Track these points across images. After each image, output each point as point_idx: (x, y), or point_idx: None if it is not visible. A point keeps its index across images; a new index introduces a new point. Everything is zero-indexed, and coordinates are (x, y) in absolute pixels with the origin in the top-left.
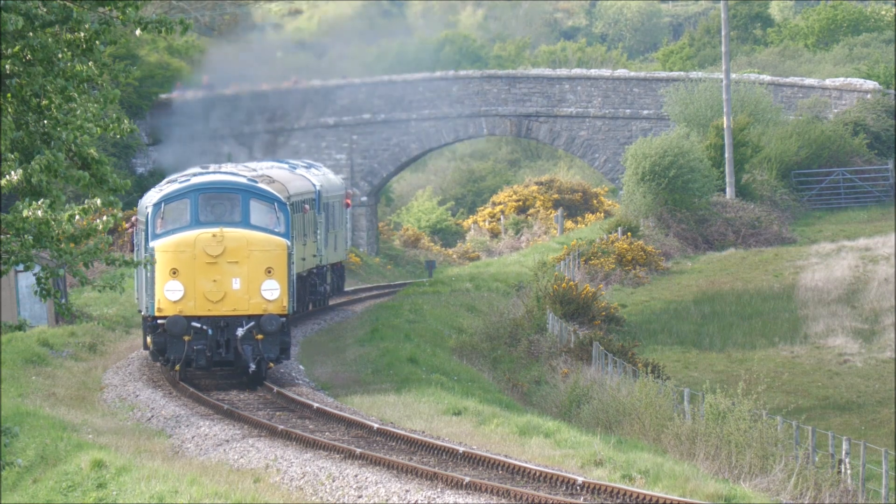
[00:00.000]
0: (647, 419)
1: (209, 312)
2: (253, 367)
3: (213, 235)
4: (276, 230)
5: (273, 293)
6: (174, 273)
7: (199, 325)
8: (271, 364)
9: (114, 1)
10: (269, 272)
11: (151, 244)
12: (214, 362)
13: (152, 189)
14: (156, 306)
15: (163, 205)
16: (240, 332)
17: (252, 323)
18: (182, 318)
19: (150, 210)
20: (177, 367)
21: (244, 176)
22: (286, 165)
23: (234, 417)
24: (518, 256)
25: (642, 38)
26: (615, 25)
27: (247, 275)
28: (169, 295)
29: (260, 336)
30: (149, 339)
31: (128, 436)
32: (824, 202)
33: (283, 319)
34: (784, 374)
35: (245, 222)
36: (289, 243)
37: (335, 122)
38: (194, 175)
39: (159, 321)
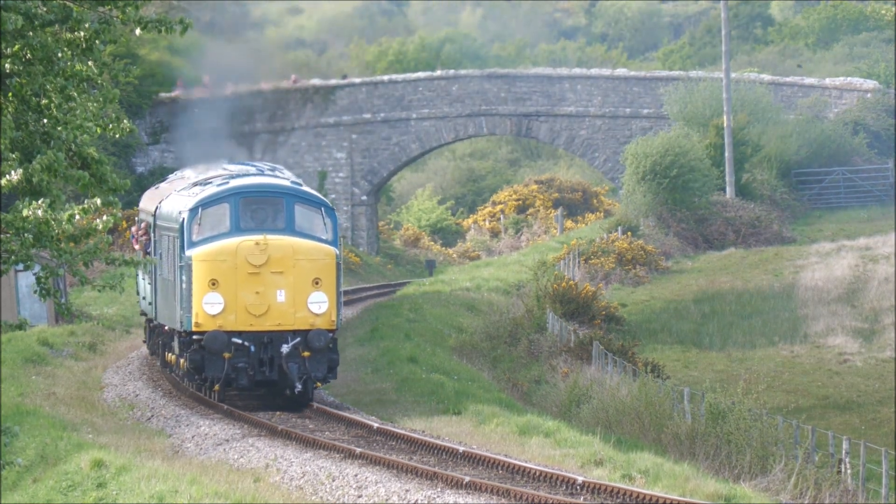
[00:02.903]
0: (647, 419)
1: (251, 327)
2: (299, 387)
3: (256, 243)
4: (323, 237)
5: (321, 306)
6: (213, 284)
7: (240, 342)
8: (319, 384)
9: (113, 0)
10: (317, 283)
11: (188, 252)
12: (257, 382)
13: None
14: (193, 320)
15: (200, 210)
16: (285, 348)
17: (298, 339)
18: (222, 333)
19: (185, 215)
20: (216, 388)
21: (287, 178)
22: (253, 168)
23: (234, 417)
24: (518, 256)
25: (642, 38)
26: (615, 25)
27: (292, 286)
28: (208, 308)
29: (307, 353)
30: (170, 355)
31: (128, 435)
32: (824, 201)
33: (332, 335)
34: (784, 374)
35: (290, 229)
36: (337, 252)
37: (335, 122)
38: (232, 177)
39: (195, 337)
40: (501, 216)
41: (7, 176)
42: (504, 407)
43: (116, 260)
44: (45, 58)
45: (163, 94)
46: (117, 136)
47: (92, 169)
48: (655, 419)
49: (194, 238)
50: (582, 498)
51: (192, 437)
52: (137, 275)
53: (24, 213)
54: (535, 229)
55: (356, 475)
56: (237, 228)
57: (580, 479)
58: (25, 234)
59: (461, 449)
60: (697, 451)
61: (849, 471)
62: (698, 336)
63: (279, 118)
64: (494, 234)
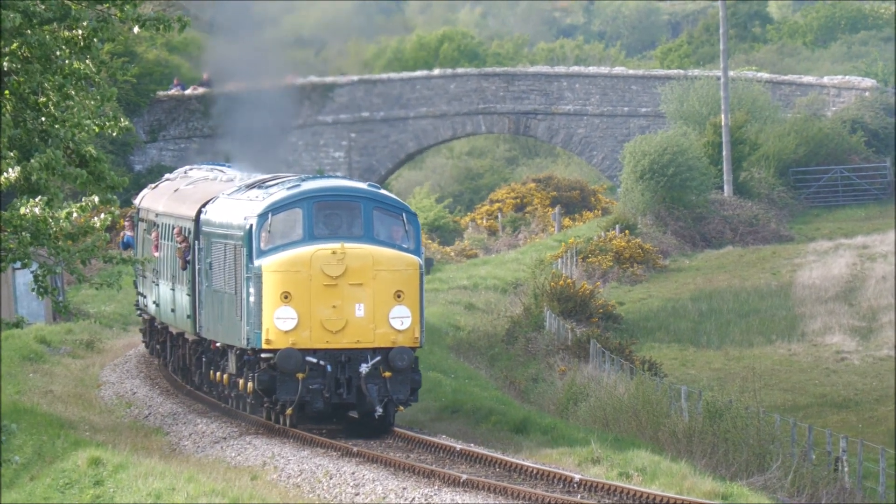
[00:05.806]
0: (645, 417)
1: (328, 345)
2: (380, 410)
3: (333, 252)
4: (404, 246)
5: (403, 322)
6: (286, 298)
7: (315, 360)
8: (401, 407)
9: None
10: (399, 296)
11: (256, 262)
12: (333, 405)
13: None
14: (263, 337)
15: (270, 215)
16: (364, 368)
17: (378, 357)
18: (296, 351)
19: (252, 222)
20: (288, 412)
21: (363, 181)
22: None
23: (231, 415)
24: (516, 254)
25: (640, 36)
26: (613, 23)
27: (372, 300)
28: (280, 324)
29: (387, 374)
30: (220, 375)
31: (125, 433)
32: (822, 200)
33: (415, 353)
34: (781, 372)
35: (368, 236)
36: (421, 262)
37: (333, 120)
38: (303, 179)
39: (265, 355)
40: (499, 214)
41: (5, 174)
42: (501, 405)
43: (114, 258)
44: (43, 56)
45: (161, 93)
46: (115, 134)
47: (90, 167)
48: (652, 417)
49: (263, 247)
50: (579, 496)
51: (190, 434)
52: (142, 280)
53: (22, 210)
54: (532, 227)
55: (353, 473)
56: (311, 236)
57: (577, 476)
58: (23, 232)
59: (458, 447)
60: (694, 450)
61: (846, 469)
62: (696, 334)
63: (277, 116)
64: (492, 232)
